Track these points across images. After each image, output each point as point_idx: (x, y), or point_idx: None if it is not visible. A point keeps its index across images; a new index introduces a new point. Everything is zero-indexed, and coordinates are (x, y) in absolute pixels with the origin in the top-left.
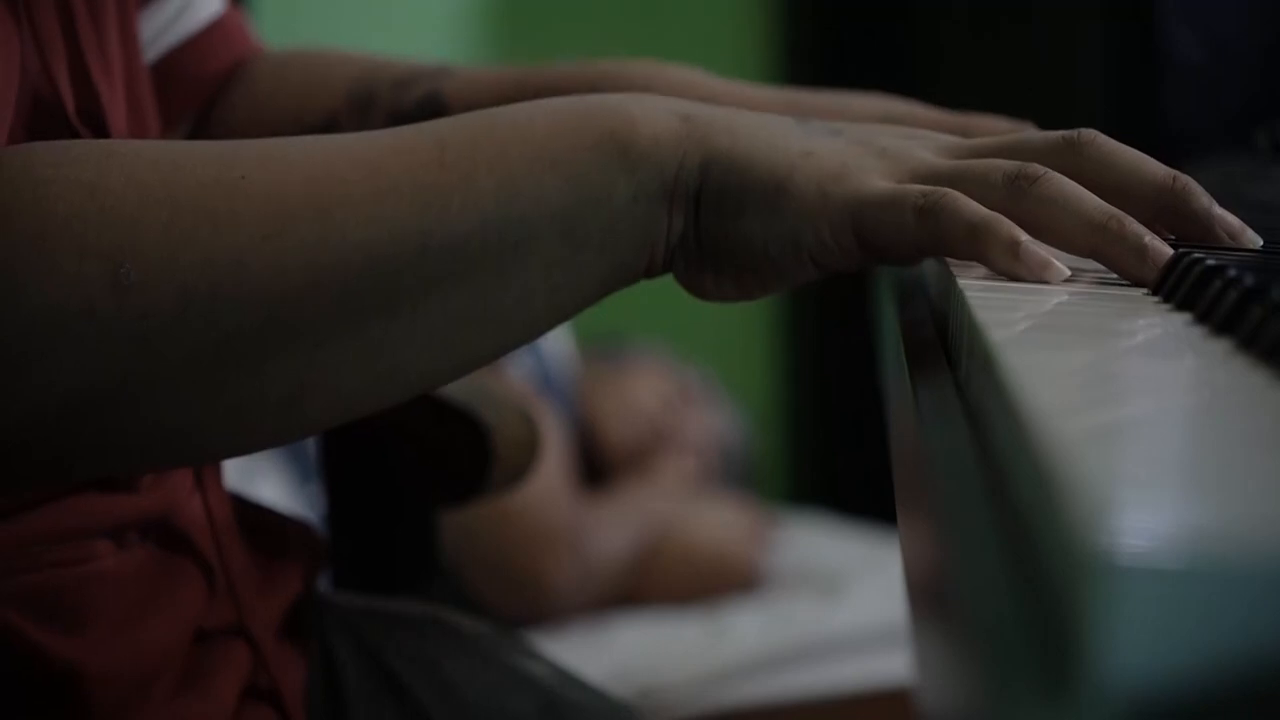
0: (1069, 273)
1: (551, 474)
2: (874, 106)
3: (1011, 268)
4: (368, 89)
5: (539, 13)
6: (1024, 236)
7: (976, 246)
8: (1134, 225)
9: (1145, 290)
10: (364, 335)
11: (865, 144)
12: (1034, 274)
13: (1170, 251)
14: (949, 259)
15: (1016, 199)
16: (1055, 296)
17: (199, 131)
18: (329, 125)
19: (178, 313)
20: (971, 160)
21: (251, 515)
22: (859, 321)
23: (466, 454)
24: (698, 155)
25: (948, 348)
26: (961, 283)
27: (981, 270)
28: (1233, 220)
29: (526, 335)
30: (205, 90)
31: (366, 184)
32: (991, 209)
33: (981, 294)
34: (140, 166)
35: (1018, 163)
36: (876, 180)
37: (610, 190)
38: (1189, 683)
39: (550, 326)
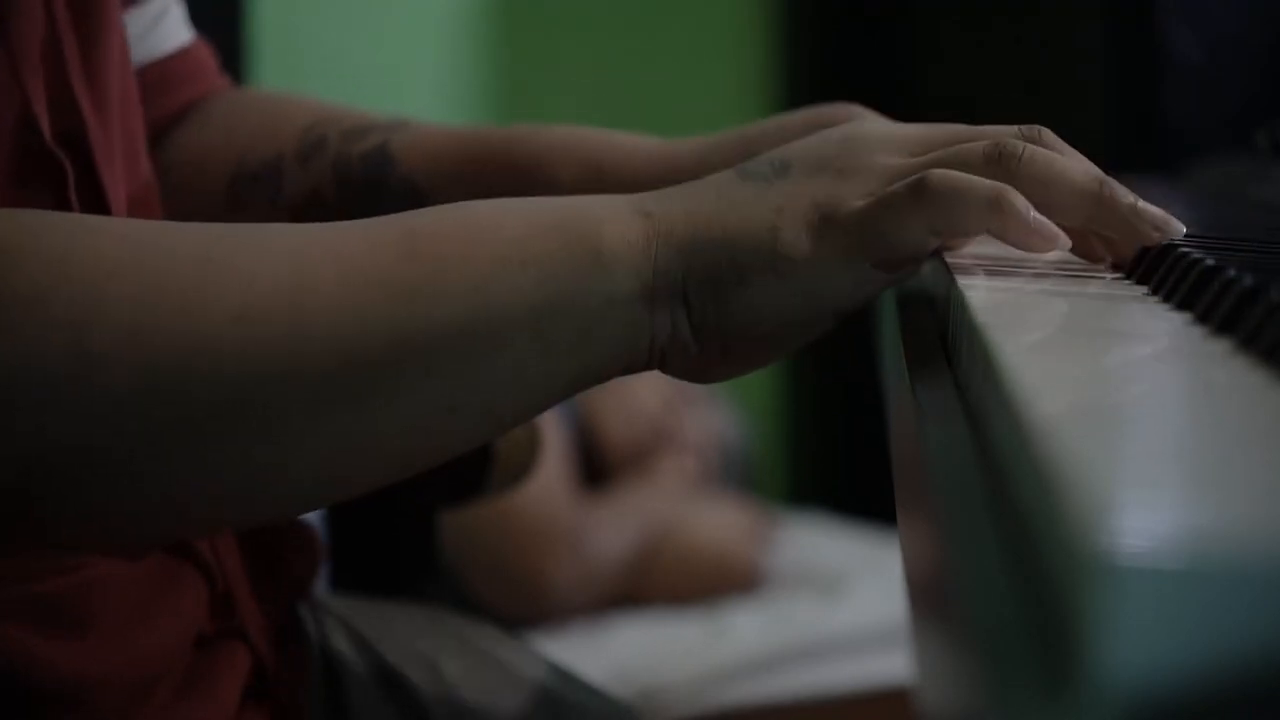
0: (1067, 242)
1: (551, 474)
2: (807, 117)
3: (1013, 224)
4: (320, 135)
5: (536, 22)
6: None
7: (984, 212)
8: (1119, 187)
9: (1145, 290)
10: (330, 423)
11: (821, 171)
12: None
13: (1156, 209)
14: (948, 259)
15: (1005, 179)
16: (1055, 296)
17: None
18: (274, 166)
19: (140, 388)
20: (939, 151)
21: None
22: (858, 322)
23: (466, 454)
24: (670, 250)
25: (948, 348)
26: (961, 283)
27: (981, 270)
28: (1156, 212)
29: (493, 430)
30: (162, 121)
31: (336, 273)
32: (978, 175)
33: (981, 294)
34: (109, 242)
35: (991, 142)
36: (855, 202)
37: (583, 293)
38: (1189, 683)
39: (518, 421)
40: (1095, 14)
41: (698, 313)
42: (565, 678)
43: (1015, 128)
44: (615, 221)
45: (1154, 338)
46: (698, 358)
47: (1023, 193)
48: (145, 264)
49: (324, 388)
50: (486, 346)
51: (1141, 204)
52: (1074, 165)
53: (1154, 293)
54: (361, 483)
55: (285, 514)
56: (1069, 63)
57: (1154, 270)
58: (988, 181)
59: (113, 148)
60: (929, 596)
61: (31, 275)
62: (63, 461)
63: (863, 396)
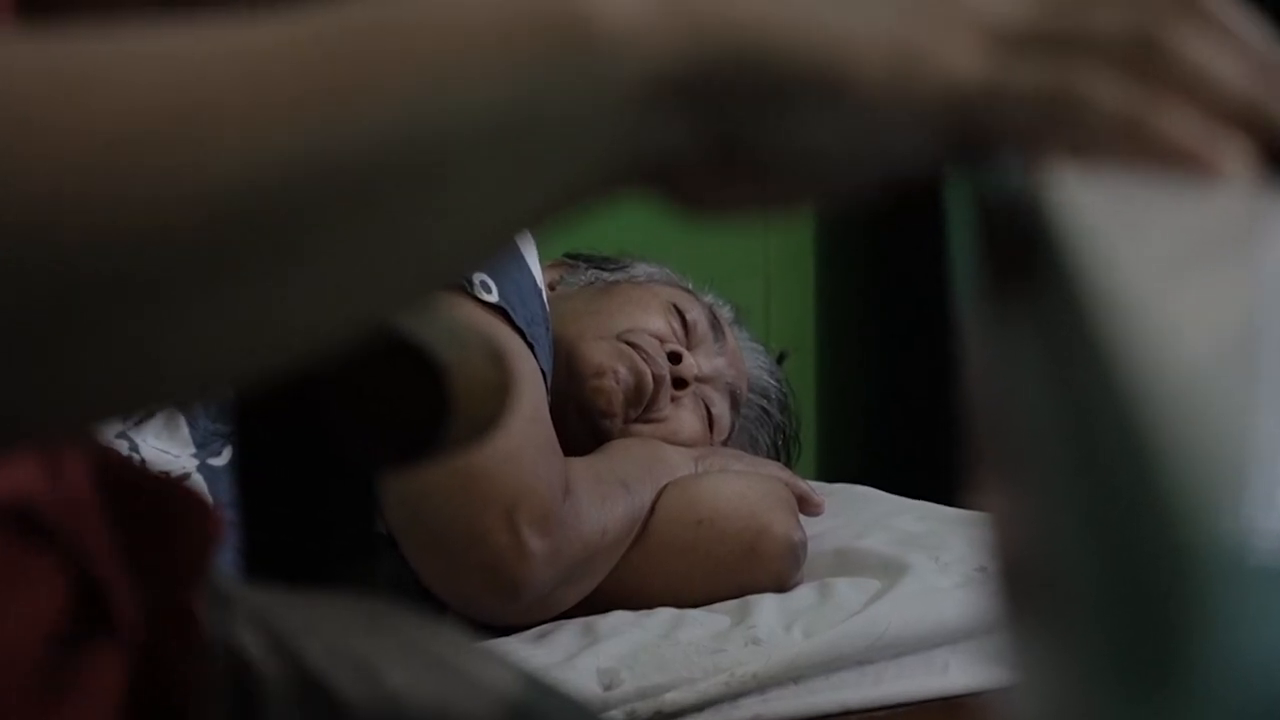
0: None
1: (525, 425)
2: None
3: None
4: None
5: None
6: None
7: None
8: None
9: None
10: (249, 282)
11: (916, 10)
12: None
13: None
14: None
15: (1151, 82)
16: (1176, 205)
17: None
18: None
19: None
20: (1062, 20)
21: (125, 482)
22: (921, 247)
23: (417, 401)
24: (695, 42)
25: (1040, 281)
26: (1058, 195)
27: (1082, 170)
28: None
29: (451, 270)
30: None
31: (244, 88)
32: (1113, 93)
33: (1084, 208)
34: None
35: (1131, 25)
36: (963, 57)
37: (565, 90)
38: None
39: (480, 258)
40: None
41: (719, 123)
42: (539, 689)
43: (1129, 35)
44: (615, 1)
45: None
46: (702, 180)
47: (1168, 102)
48: None
49: (237, 234)
50: (440, 165)
51: None
52: (1231, 78)
53: None
54: (282, 354)
55: (190, 398)
56: None
57: None
58: (1123, 99)
59: None
60: (1020, 581)
61: None
62: None
63: (923, 343)
